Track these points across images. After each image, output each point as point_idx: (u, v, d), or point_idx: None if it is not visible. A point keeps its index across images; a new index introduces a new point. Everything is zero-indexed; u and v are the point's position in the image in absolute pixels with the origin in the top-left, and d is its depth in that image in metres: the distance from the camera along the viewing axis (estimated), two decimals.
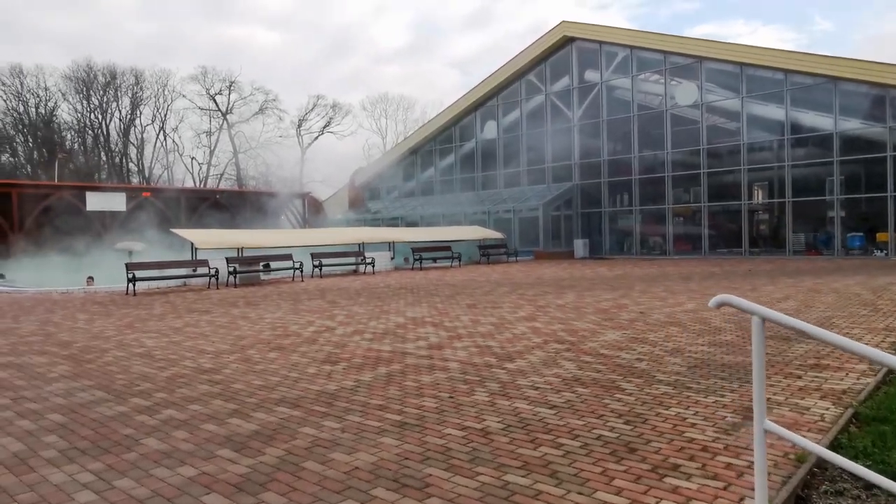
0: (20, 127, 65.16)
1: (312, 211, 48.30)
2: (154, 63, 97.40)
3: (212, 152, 70.18)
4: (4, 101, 63.35)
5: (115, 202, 37.49)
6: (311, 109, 74.55)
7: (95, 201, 36.77)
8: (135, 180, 67.83)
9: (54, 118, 66.37)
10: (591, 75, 33.38)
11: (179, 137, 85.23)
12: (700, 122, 29.57)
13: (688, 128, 30.68)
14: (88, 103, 66.87)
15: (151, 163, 70.69)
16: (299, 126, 74.34)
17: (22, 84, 63.95)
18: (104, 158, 68.88)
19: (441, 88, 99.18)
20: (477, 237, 28.87)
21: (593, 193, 33.45)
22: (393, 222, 40.47)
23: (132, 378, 6.78)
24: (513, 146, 36.87)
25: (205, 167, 70.45)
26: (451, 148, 40.27)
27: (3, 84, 62.86)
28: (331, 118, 75.48)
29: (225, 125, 69.89)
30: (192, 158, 71.02)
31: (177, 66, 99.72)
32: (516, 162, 36.61)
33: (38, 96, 64.95)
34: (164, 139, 70.68)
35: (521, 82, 36.15)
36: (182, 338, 9.43)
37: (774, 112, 27.57)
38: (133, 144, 69.98)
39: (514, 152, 36.79)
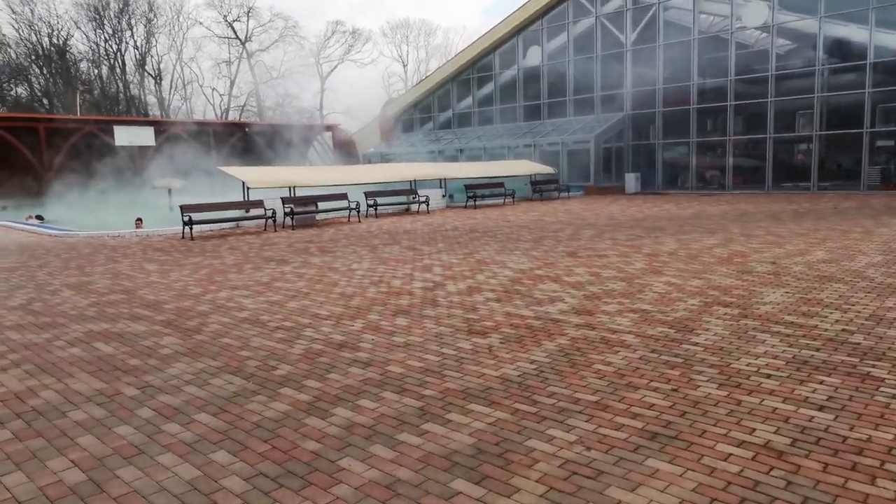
0: (34, 58, 63.10)
1: (340, 145, 46.75)
2: None
3: (232, 83, 67.96)
4: (17, 30, 61.14)
5: (144, 136, 36.20)
6: (331, 36, 71.58)
7: (124, 135, 35.49)
8: (154, 113, 66.13)
9: (68, 48, 64.15)
10: None
11: (199, 67, 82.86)
12: (769, 45, 27.30)
13: (753, 52, 28.45)
14: (102, 32, 64.39)
15: (170, 94, 68.76)
16: (318, 54, 71.60)
17: (33, 12, 61.50)
18: (121, 90, 66.95)
19: (459, 13, 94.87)
20: (528, 172, 27.41)
21: (646, 124, 31.57)
22: (429, 157, 38.92)
23: (260, 356, 5.77)
24: (558, 74, 34.71)
25: (226, 98, 68.44)
26: (491, 76, 38.12)
27: (14, 12, 60.50)
28: (350, 45, 72.54)
29: (244, 54, 67.34)
30: (213, 90, 68.98)
31: None
32: (562, 91, 34.56)
33: (50, 25, 62.56)
34: (182, 69, 68.53)
35: (569, 3, 33.60)
36: (280, 297, 8.41)
37: (856, 33, 25.28)
38: (150, 75, 67.80)
39: (559, 80, 34.67)
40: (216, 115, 66.82)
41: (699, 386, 4.74)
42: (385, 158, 41.22)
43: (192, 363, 5.61)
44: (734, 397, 4.49)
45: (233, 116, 66.32)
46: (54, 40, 63.08)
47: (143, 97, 67.66)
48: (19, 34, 60.80)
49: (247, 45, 67.19)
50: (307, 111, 70.41)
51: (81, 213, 25.29)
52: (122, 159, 34.11)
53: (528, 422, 4.18)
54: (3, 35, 60.32)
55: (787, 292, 7.78)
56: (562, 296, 7.96)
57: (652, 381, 4.88)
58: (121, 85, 66.72)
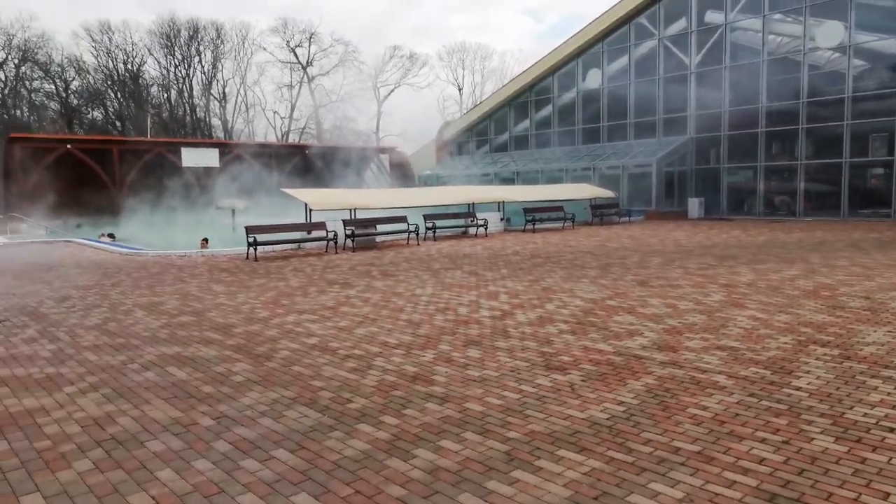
0: (109, 83, 66.41)
1: (396, 167, 47.20)
2: (234, 16, 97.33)
3: (293, 106, 69.89)
4: (95, 57, 64.61)
5: (209, 158, 37.40)
6: (389, 60, 72.88)
7: (190, 157, 36.76)
8: (217, 135, 68.48)
9: (141, 73, 67.31)
10: (714, 16, 30.14)
11: (262, 91, 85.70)
12: (846, 66, 26.17)
13: (826, 73, 27.33)
14: (173, 58, 67.32)
15: (233, 117, 71.16)
16: (376, 78, 72.97)
17: (110, 40, 64.91)
18: (188, 112, 69.68)
19: (515, 37, 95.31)
20: (587, 196, 26.91)
21: (710, 148, 30.67)
22: (485, 179, 38.83)
23: (333, 387, 5.61)
24: (619, 96, 34.20)
25: (286, 121, 70.38)
26: (549, 99, 37.90)
27: (94, 40, 64.02)
28: (407, 69, 73.67)
29: (305, 78, 69.25)
30: (275, 112, 71.06)
31: (255, 18, 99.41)
32: (622, 114, 34.00)
33: (125, 52, 65.85)
34: (245, 93, 70.86)
35: (631, 26, 33.19)
36: (347, 322, 8.29)
37: None
38: (216, 98, 70.40)
39: (620, 103, 34.15)
40: (277, 137, 68.75)
41: (813, 438, 4.30)
42: (441, 181, 41.35)
43: (265, 392, 5.49)
44: (856, 454, 4.05)
45: (292, 139, 68.09)
46: (129, 66, 66.34)
47: (208, 120, 70.29)
48: (97, 61, 64.24)
49: (308, 69, 69.16)
50: (363, 134, 71.71)
51: (150, 231, 26.15)
52: (188, 180, 35.28)
53: (626, 473, 3.84)
54: (83, 62, 63.88)
55: (889, 331, 7.17)
56: (640, 329, 7.56)
57: (757, 430, 4.47)
58: (188, 108, 69.51)
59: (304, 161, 41.36)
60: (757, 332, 7.27)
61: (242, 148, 40.20)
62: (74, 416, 5.00)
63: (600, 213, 26.27)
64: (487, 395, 5.33)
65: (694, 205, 29.63)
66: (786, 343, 6.78)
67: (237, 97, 70.16)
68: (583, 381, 5.66)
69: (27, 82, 61.32)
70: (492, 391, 5.42)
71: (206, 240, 18.58)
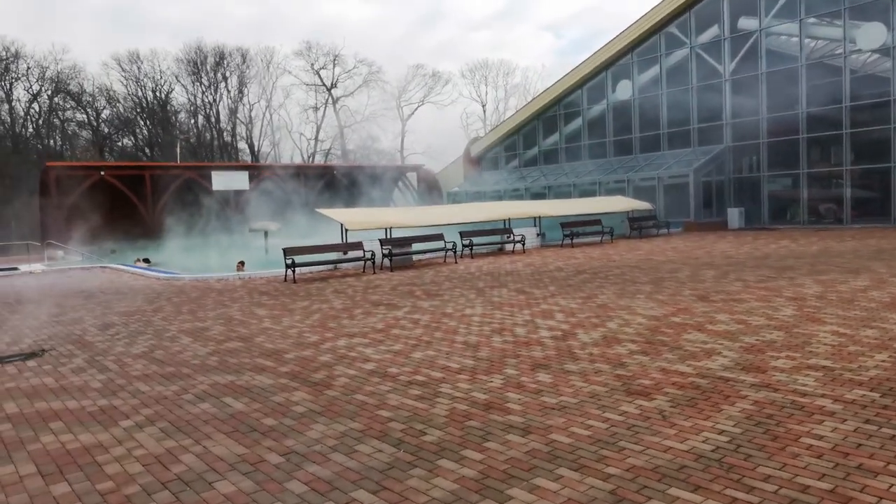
0: (139, 110, 67.70)
1: (424, 185, 47.09)
2: (259, 41, 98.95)
3: (318, 127, 70.53)
4: (125, 86, 66.02)
5: (238, 181, 37.66)
6: (412, 80, 73.31)
7: (220, 180, 37.05)
8: (244, 159, 69.28)
9: (170, 100, 68.56)
10: (747, 23, 29.56)
11: (287, 113, 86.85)
12: (890, 68, 25.35)
13: (868, 76, 26.54)
14: (200, 84, 68.45)
15: (260, 140, 72.00)
16: (399, 97, 73.40)
17: (139, 69, 66.27)
18: (215, 137, 70.67)
19: (533, 53, 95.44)
20: (624, 208, 26.34)
21: (749, 156, 29.93)
22: (515, 195, 38.45)
23: (403, 418, 5.23)
24: (650, 107, 33.66)
25: (312, 142, 71.00)
26: (578, 112, 37.49)
27: (124, 70, 65.46)
28: (431, 88, 73.98)
29: (330, 100, 69.91)
30: (301, 134, 71.75)
31: (280, 43, 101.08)
32: (654, 124, 33.43)
33: (154, 80, 67.15)
34: (271, 116, 71.72)
35: (661, 35, 32.73)
36: (401, 346, 7.92)
37: None
38: (242, 122, 71.34)
39: (651, 114, 33.59)
40: (303, 158, 69.32)
41: None
42: (470, 197, 41.05)
43: (330, 424, 5.13)
44: None
45: (318, 160, 68.60)
46: (157, 94, 67.63)
47: (235, 143, 71.19)
48: (127, 89, 65.62)
49: (332, 91, 69.84)
50: (387, 153, 72.06)
51: (184, 255, 26.23)
52: (218, 203, 35.51)
53: None
54: (114, 91, 65.33)
55: None
56: (716, 348, 7.07)
57: (889, 463, 3.97)
58: (215, 132, 70.54)
59: (332, 181, 41.46)
60: (847, 350, 6.73)
61: (271, 170, 40.43)
62: (135, 453, 4.70)
63: (638, 225, 25.66)
64: (571, 424, 4.90)
65: (734, 215, 28.85)
66: (884, 361, 6.23)
67: (263, 120, 71.06)
68: (672, 406, 5.20)
69: (60, 112, 62.82)
70: (575, 420, 4.99)
71: (242, 262, 18.46)
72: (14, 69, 58.16)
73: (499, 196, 39.39)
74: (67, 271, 22.53)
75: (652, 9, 32.33)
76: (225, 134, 70.89)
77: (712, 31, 30.89)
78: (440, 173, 48.88)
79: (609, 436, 4.64)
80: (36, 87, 59.77)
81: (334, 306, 11.42)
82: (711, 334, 7.76)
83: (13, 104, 59.11)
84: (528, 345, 7.67)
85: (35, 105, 60.44)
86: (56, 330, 10.24)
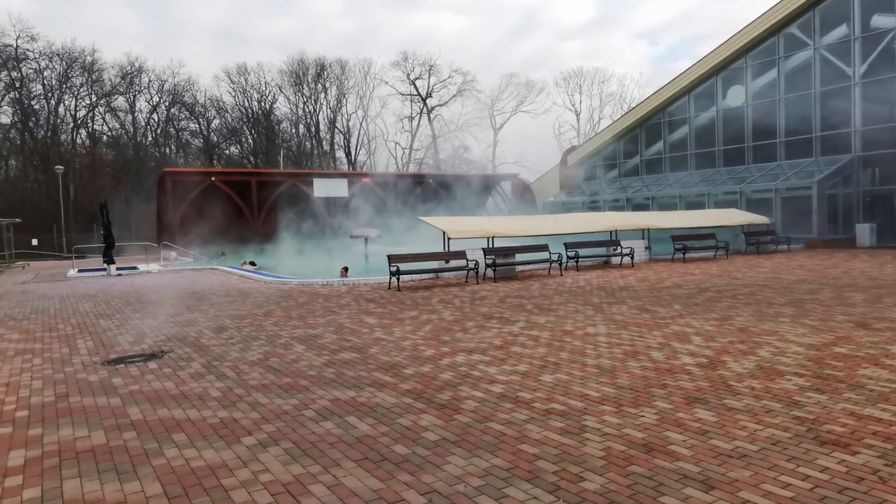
0: (245, 120, 70.99)
1: (519, 194, 46.32)
2: (357, 52, 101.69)
3: (413, 136, 71.34)
4: (233, 96, 69.47)
5: (338, 188, 38.39)
6: (505, 89, 72.81)
7: (321, 187, 37.90)
8: (342, 167, 71.07)
9: (273, 111, 71.49)
10: (882, 20, 26.91)
11: (384, 123, 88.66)
12: None
13: None
14: (301, 95, 70.93)
15: (356, 149, 73.69)
16: (492, 106, 73.07)
17: (246, 80, 69.56)
18: (315, 146, 72.95)
19: (627, 61, 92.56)
20: (738, 222, 24.52)
21: (882, 167, 27.14)
22: (615, 205, 36.99)
23: (551, 457, 4.57)
24: (765, 114, 31.37)
25: (407, 152, 71.89)
26: (685, 119, 35.61)
27: (232, 82, 68.92)
28: (524, 97, 73.16)
29: (425, 109, 70.57)
30: (396, 143, 72.85)
31: (377, 54, 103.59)
32: (770, 133, 31.11)
33: (259, 91, 70.26)
34: (367, 126, 73.27)
35: (779, 37, 30.47)
36: (526, 367, 7.27)
37: None
38: (340, 132, 73.27)
39: (766, 121, 31.30)
40: (397, 167, 70.30)
41: None
42: (566, 207, 39.93)
43: (469, 459, 4.56)
44: None
45: (412, 169, 69.31)
46: (262, 104, 70.69)
47: (333, 152, 73.20)
48: (234, 100, 69.00)
49: (427, 100, 70.46)
50: (478, 162, 71.87)
51: (287, 259, 26.81)
52: (320, 209, 36.29)
53: None
54: (223, 102, 68.89)
55: None
56: None
57: None
58: (314, 142, 72.86)
59: (427, 190, 41.50)
60: None
61: (370, 178, 40.98)
62: (261, 478, 4.31)
63: (755, 240, 23.78)
64: (762, 479, 4.08)
65: (864, 231, 26.24)
66: None
67: (359, 130, 72.69)
68: (886, 465, 4.25)
69: (175, 122, 66.92)
70: (764, 474, 4.15)
71: (346, 268, 18.44)
72: (137, 83, 62.54)
73: (597, 207, 38.06)
74: (181, 272, 23.48)
75: (770, 8, 30.17)
76: (324, 143, 73.07)
77: (840, 31, 28.37)
78: (534, 183, 47.97)
79: (817, 500, 3.78)
80: (155, 99, 64.01)
81: (444, 318, 10.93)
82: (895, 370, 6.61)
83: (135, 115, 63.58)
84: (671, 373, 6.82)
85: (154, 115, 64.72)
86: (173, 331, 10.34)
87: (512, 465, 4.41)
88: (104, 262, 23.73)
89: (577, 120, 75.35)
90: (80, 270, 24.46)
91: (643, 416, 5.41)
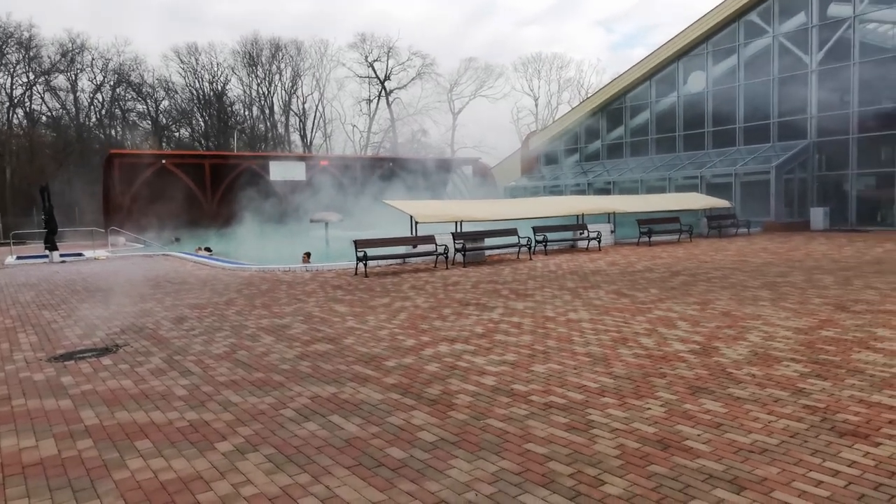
0: (196, 101, 68.41)
1: (479, 178, 45.99)
2: (314, 34, 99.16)
3: (371, 119, 70.10)
4: (183, 77, 66.80)
5: (295, 171, 37.29)
6: (464, 73, 72.22)
7: (278, 171, 36.74)
8: (297, 150, 69.34)
9: (226, 92, 69.10)
10: (839, 9, 27.42)
11: (342, 105, 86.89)
12: None
13: None
14: (255, 76, 68.72)
15: (312, 132, 72.00)
16: (451, 90, 72.43)
17: (197, 61, 66.94)
18: (269, 129, 70.95)
19: (584, 48, 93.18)
20: (701, 206, 24.74)
21: (835, 153, 27.79)
22: (577, 189, 37.05)
23: (562, 457, 4.20)
24: (725, 100, 31.75)
25: (365, 135, 70.66)
26: (646, 105, 35.79)
27: (182, 62, 66.23)
28: (483, 81, 72.71)
29: (383, 92, 69.38)
30: (354, 126, 71.52)
31: (334, 36, 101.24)
32: (730, 118, 31.52)
33: (211, 73, 67.75)
34: (323, 108, 71.62)
35: (739, 24, 30.79)
36: (515, 356, 6.90)
37: None
38: (295, 114, 71.40)
39: (726, 107, 31.68)
40: (355, 151, 69.04)
41: None
42: (528, 192, 39.85)
43: (474, 462, 4.15)
44: None
45: (370, 152, 68.18)
46: (214, 86, 68.22)
47: (287, 136, 71.36)
48: (185, 80, 66.38)
49: (386, 83, 69.26)
50: (436, 146, 71.21)
51: (244, 245, 25.84)
52: (276, 193, 35.18)
53: None
54: (172, 83, 66.21)
55: None
56: None
57: None
58: (269, 124, 70.85)
59: (388, 173, 40.73)
60: None
61: (328, 161, 39.95)
62: (243, 491, 3.80)
63: (717, 224, 24.05)
64: (791, 477, 3.79)
65: (818, 214, 26.87)
66: None
67: (315, 112, 71.04)
68: None
69: (121, 103, 63.99)
70: (792, 471, 3.87)
71: (308, 254, 17.75)
72: (79, 61, 59.45)
73: (559, 191, 38.08)
74: (130, 258, 22.31)
75: None
76: (279, 125, 71.13)
77: (798, 19, 28.83)
78: (495, 167, 47.72)
79: (856, 499, 3.51)
80: (99, 78, 61.01)
81: (418, 304, 10.47)
82: (889, 354, 6.49)
83: (77, 94, 60.48)
84: (666, 360, 6.55)
85: (98, 96, 61.71)
86: (127, 322, 9.60)
87: (522, 469, 4.02)
88: (46, 248, 22.36)
89: (536, 105, 75.41)
90: (18, 257, 23.00)
91: (649, 408, 5.10)
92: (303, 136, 71.33)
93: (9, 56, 55.22)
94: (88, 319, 9.98)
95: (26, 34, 55.30)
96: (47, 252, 22.06)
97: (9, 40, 54.69)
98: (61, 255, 22.08)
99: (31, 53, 56.10)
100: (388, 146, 70.66)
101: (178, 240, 28.54)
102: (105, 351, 7.73)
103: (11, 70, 55.72)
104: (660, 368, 6.25)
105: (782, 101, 29.37)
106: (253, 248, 24.65)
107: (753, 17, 30.25)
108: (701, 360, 6.49)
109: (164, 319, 9.76)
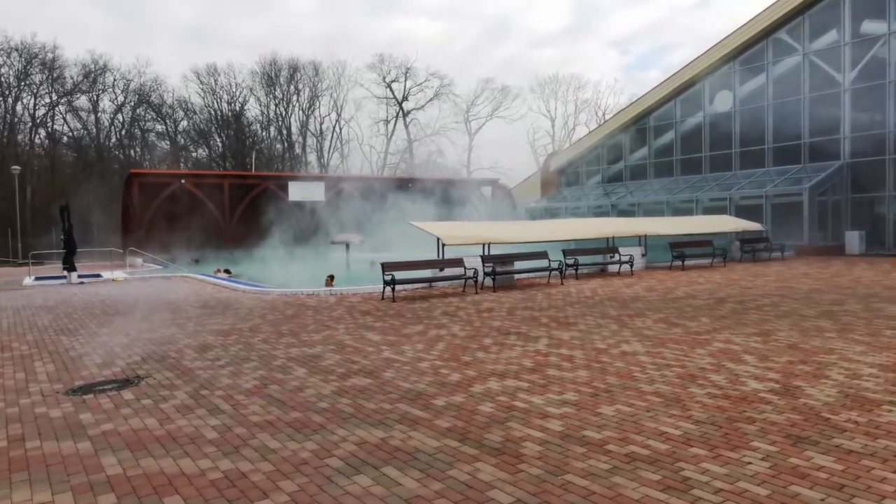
0: (214, 122, 68.75)
1: (499, 200, 45.48)
2: (332, 54, 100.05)
3: (388, 140, 70.09)
4: (202, 98, 67.27)
5: (314, 192, 37.00)
6: (480, 94, 72.24)
7: (297, 191, 36.47)
8: (314, 170, 69.34)
9: (244, 112, 69.41)
10: (872, 26, 26.82)
11: (359, 126, 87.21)
12: None
13: None
14: (273, 97, 69.01)
15: (329, 153, 72.06)
16: (467, 111, 72.41)
17: (216, 81, 67.40)
18: (286, 149, 71.08)
19: (599, 69, 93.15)
20: (731, 229, 23.99)
21: (870, 174, 26.98)
22: (599, 211, 36.40)
23: None
24: (753, 120, 31.12)
25: (382, 156, 70.60)
26: (671, 125, 35.22)
27: (201, 82, 66.74)
28: (500, 102, 72.63)
29: (401, 113, 69.42)
30: (371, 147, 71.52)
31: (352, 57, 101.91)
32: (758, 139, 30.84)
33: (230, 93, 68.20)
34: (340, 129, 71.75)
35: (768, 42, 30.25)
36: (574, 395, 6.24)
37: None
38: (313, 134, 71.53)
39: (754, 127, 31.05)
40: (372, 171, 68.92)
41: None
42: (549, 213, 39.28)
43: None
44: None
45: (387, 173, 68.05)
46: (232, 106, 68.59)
47: (304, 156, 71.44)
48: (203, 101, 66.84)
49: (403, 104, 69.33)
50: (452, 168, 70.97)
51: (263, 267, 25.40)
52: (296, 213, 34.83)
53: None
54: (191, 103, 66.70)
55: None
56: None
57: None
58: (286, 145, 71.00)
59: (407, 193, 40.32)
60: None
61: (348, 181, 39.67)
62: None
63: (751, 248, 23.25)
64: None
65: (853, 238, 25.98)
66: None
67: (332, 133, 71.17)
68: None
69: (141, 123, 64.48)
70: None
71: (331, 277, 17.20)
72: (101, 81, 60.08)
73: (581, 213, 37.43)
74: (149, 280, 21.92)
75: (759, 13, 29.94)
76: (296, 146, 71.27)
77: (830, 37, 28.24)
78: (514, 189, 47.23)
79: None
80: (120, 99, 61.59)
81: (455, 333, 9.84)
82: None
83: (99, 115, 61.05)
84: (747, 401, 5.86)
85: (119, 116, 62.25)
86: (149, 350, 9.05)
87: None
88: (64, 268, 22.03)
89: (552, 126, 75.16)
90: (37, 278, 22.71)
91: (749, 462, 4.42)
92: (319, 157, 71.43)
93: (32, 77, 55.91)
94: (108, 346, 9.46)
95: (50, 55, 56.04)
96: (65, 273, 21.74)
97: (33, 61, 55.40)
98: (79, 276, 21.74)
99: (55, 74, 56.78)
100: (405, 167, 70.57)
101: (197, 261, 28.17)
102: (126, 383, 7.18)
103: (35, 91, 56.40)
104: (743, 412, 5.56)
105: (813, 120, 28.67)
106: (272, 270, 24.18)
107: (783, 34, 29.69)
108: (787, 402, 5.80)
109: (188, 347, 9.21)
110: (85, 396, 6.67)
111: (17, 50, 54.43)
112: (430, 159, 71.74)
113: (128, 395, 6.66)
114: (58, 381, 7.42)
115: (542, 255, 17.16)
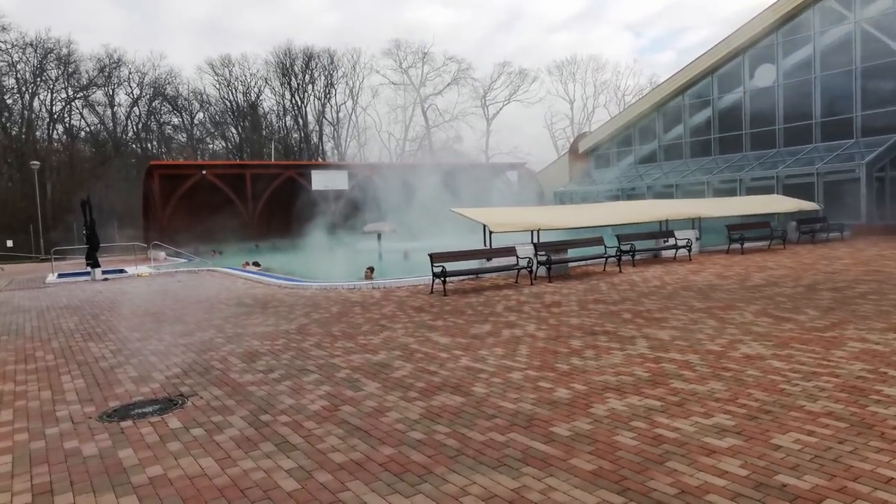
0: (230, 113, 67.74)
1: (525, 184, 44.10)
2: (347, 42, 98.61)
3: (406, 126, 68.76)
4: (217, 89, 66.25)
5: (338, 180, 35.88)
6: (497, 78, 70.56)
7: (320, 180, 35.37)
8: (331, 159, 68.22)
9: (259, 103, 68.29)
10: None
11: (376, 113, 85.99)
12: None
13: None
14: (288, 87, 67.79)
15: (346, 141, 70.88)
16: (485, 96, 70.81)
17: (230, 72, 66.32)
18: (303, 138, 69.96)
19: (613, 54, 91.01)
20: (786, 209, 22.48)
21: None
22: (633, 194, 34.91)
23: None
24: (798, 94, 29.34)
25: (401, 142, 69.33)
26: (708, 102, 33.51)
27: (216, 74, 65.67)
28: (518, 86, 70.91)
29: (418, 99, 68.00)
30: (390, 134, 70.25)
31: (366, 45, 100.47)
32: (805, 114, 29.09)
33: (245, 83, 67.10)
34: (357, 117, 70.51)
35: (814, 10, 28.41)
36: (724, 416, 5.01)
37: None
38: (329, 123, 70.33)
39: (800, 102, 29.27)
40: (390, 158, 67.69)
41: None
42: (580, 197, 37.87)
43: None
44: None
45: (406, 160, 66.73)
46: (248, 97, 67.50)
47: (321, 145, 70.33)
48: (219, 93, 65.82)
49: (421, 89, 67.88)
50: (470, 153, 69.48)
51: (292, 259, 24.37)
52: (320, 203, 33.74)
53: None
54: (207, 94, 65.73)
55: None
56: None
57: None
58: (302, 134, 69.87)
59: (433, 179, 39.07)
60: None
61: (372, 169, 38.48)
62: None
63: (810, 228, 21.76)
64: None
65: None
66: None
67: (349, 121, 69.95)
68: None
69: (157, 116, 63.67)
70: None
71: (371, 269, 16.05)
72: (116, 76, 59.28)
73: (614, 196, 35.93)
74: (175, 275, 20.94)
75: None
76: (313, 135, 70.15)
77: (883, 3, 26.38)
78: (540, 172, 45.76)
79: None
80: (136, 92, 60.77)
81: (533, 334, 8.63)
82: None
83: (115, 109, 60.32)
84: None
85: (135, 109, 61.49)
86: (188, 358, 7.96)
87: None
88: (88, 264, 21.13)
89: (571, 109, 73.33)
90: (60, 275, 21.83)
91: None
92: (337, 145, 70.31)
93: (48, 73, 55.20)
94: (141, 355, 8.38)
95: (65, 50, 55.28)
96: (89, 269, 20.83)
97: (48, 56, 54.67)
98: (103, 273, 20.82)
99: (70, 69, 56.04)
100: (423, 153, 69.20)
101: (220, 253, 27.20)
102: (170, 404, 6.08)
103: (51, 86, 55.72)
104: None
105: (866, 93, 26.90)
106: (302, 261, 23.14)
107: (831, 2, 27.87)
108: None
109: (232, 355, 8.10)
110: (123, 424, 5.57)
111: (32, 45, 53.73)
112: (447, 145, 70.33)
113: (174, 422, 5.54)
114: (89, 401, 6.34)
115: (598, 240, 15.87)
